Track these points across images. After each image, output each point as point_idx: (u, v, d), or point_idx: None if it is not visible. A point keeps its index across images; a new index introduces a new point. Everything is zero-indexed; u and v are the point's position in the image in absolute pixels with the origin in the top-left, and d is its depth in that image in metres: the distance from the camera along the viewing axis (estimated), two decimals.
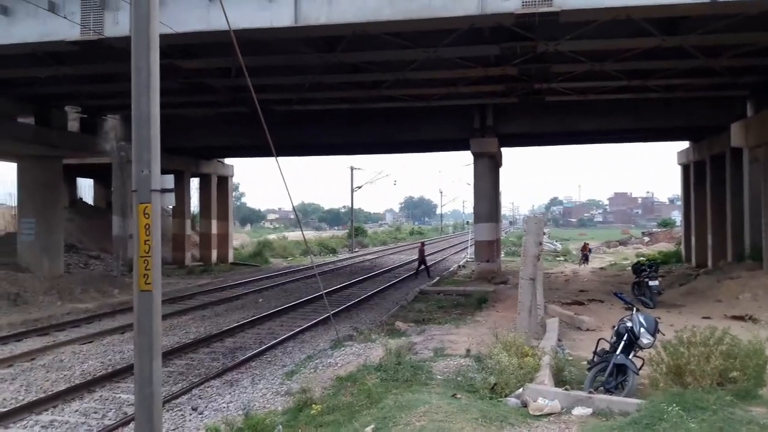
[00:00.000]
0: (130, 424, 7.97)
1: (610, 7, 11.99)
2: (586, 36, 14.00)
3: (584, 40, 14.37)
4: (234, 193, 45.25)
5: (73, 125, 24.68)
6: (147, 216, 5.28)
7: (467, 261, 33.96)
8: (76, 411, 8.91)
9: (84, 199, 35.49)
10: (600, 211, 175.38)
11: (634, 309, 7.47)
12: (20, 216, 22.83)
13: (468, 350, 9.46)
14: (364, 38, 14.62)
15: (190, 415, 8.73)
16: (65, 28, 13.41)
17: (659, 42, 14.57)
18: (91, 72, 17.97)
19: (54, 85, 19.49)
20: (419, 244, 30.22)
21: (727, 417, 5.17)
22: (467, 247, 42.29)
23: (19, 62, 16.50)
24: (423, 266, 27.51)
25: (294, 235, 51.18)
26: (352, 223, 53.98)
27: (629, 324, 7.07)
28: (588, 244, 37.52)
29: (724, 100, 22.10)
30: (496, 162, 26.35)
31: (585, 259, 33.60)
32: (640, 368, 6.96)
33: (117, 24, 13.21)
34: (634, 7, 12.08)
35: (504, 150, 28.23)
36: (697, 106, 22.70)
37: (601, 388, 6.83)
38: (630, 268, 19.29)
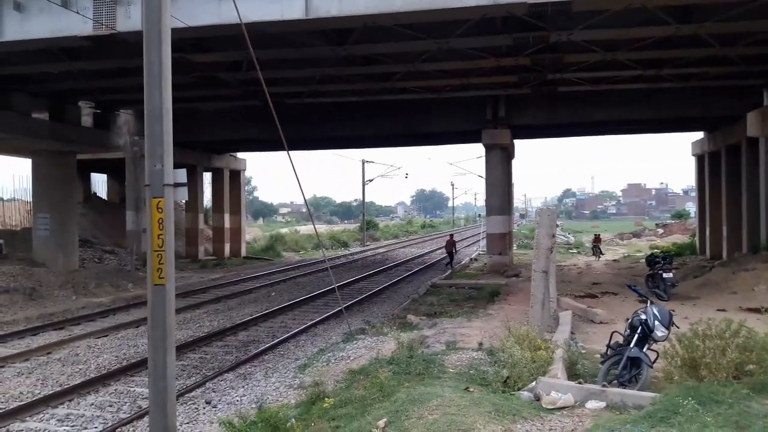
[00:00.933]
0: (145, 418, 8.04)
1: None
2: (600, 25, 13.84)
3: (597, 29, 14.21)
4: (246, 187, 45.35)
5: (87, 120, 24.86)
6: (160, 210, 5.31)
7: (479, 254, 33.87)
8: (92, 404, 9.00)
9: (98, 194, 35.76)
10: (613, 202, 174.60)
11: (648, 301, 7.39)
12: (35, 211, 23.03)
13: (480, 343, 9.43)
14: (375, 30, 14.56)
15: (204, 408, 8.79)
16: (78, 24, 13.48)
17: (673, 30, 14.38)
18: (104, 67, 18.06)
19: (68, 80, 19.61)
20: (448, 237, 29.69)
21: (744, 411, 5.11)
22: (479, 240, 42.17)
23: (33, 58, 16.61)
24: (449, 258, 27.30)
25: (306, 228, 51.24)
26: (364, 216, 53.94)
27: (643, 317, 6.99)
28: (599, 235, 37.13)
29: (739, 89, 21.76)
30: (508, 154, 26.22)
31: (598, 250, 33.37)
32: (654, 361, 6.89)
33: (129, 18, 13.26)
34: None
35: (516, 142, 28.07)
36: (712, 96, 22.39)
37: (615, 381, 6.78)
38: (644, 260, 19.13)
